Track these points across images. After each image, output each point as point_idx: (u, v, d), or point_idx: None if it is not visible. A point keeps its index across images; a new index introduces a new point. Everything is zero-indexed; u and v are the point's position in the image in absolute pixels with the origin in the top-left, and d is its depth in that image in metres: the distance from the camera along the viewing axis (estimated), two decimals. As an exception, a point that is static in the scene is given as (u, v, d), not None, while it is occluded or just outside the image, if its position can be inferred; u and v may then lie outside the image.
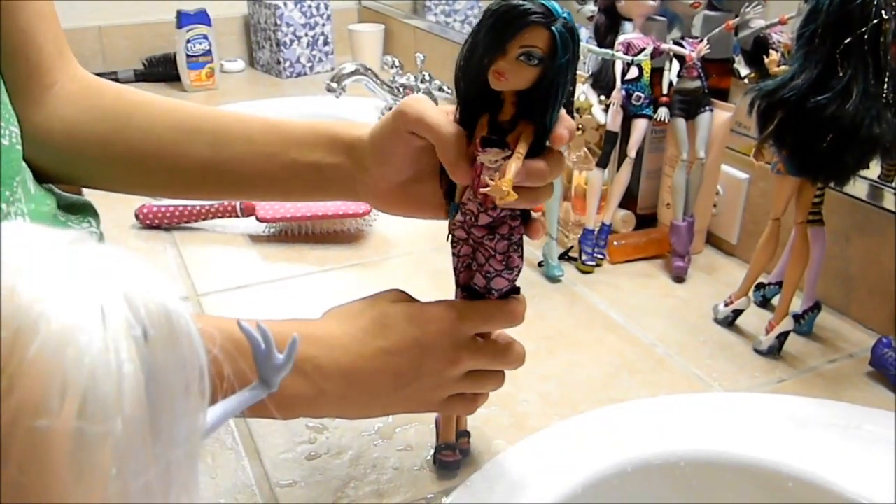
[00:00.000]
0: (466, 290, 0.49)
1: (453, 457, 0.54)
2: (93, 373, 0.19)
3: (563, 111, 0.45)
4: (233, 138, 0.54)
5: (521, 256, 0.48)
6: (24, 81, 0.54)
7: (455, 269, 0.49)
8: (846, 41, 0.57)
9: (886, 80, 0.57)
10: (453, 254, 0.49)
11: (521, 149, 0.43)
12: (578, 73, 0.84)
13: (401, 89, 1.23)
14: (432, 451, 0.55)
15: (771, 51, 0.70)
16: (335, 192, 0.55)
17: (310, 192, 0.56)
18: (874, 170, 0.69)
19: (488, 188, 0.42)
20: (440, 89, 1.19)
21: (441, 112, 0.47)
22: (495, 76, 0.42)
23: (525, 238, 0.48)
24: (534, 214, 0.48)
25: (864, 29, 0.56)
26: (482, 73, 0.42)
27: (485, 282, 0.48)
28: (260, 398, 0.33)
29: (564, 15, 0.41)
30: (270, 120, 0.56)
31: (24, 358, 0.19)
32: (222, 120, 0.56)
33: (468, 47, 0.43)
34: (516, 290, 0.50)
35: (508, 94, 0.44)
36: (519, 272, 0.49)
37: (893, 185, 0.69)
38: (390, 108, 1.24)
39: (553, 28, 0.40)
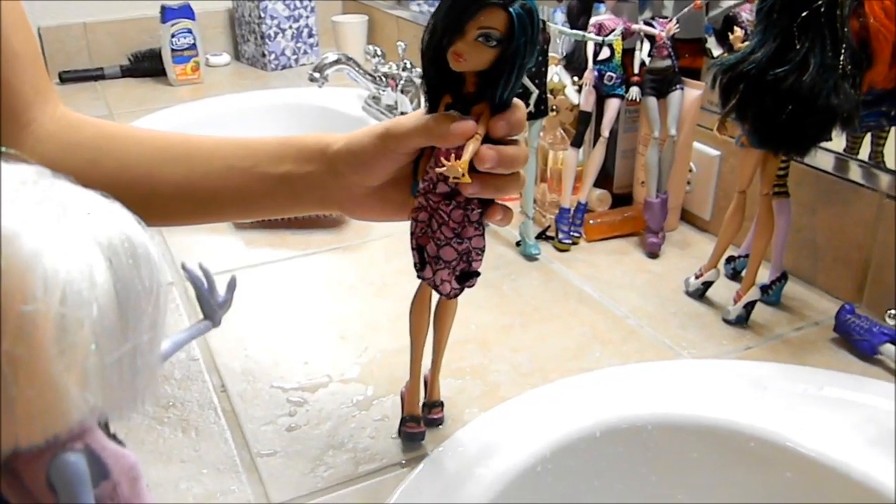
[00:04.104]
0: (418, 251, 0.50)
1: (417, 428, 0.55)
2: (69, 271, 0.24)
3: (518, 101, 0.46)
4: (205, 158, 0.56)
5: (480, 234, 0.48)
6: None
7: (412, 232, 0.50)
8: (803, 14, 0.58)
9: (843, 52, 0.59)
10: (412, 218, 0.49)
11: (481, 129, 0.45)
12: (552, 54, 0.86)
13: (383, 78, 1.25)
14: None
15: (736, 27, 0.72)
16: (307, 203, 0.56)
17: (282, 206, 0.57)
18: (839, 142, 0.71)
19: (444, 168, 0.43)
20: (421, 77, 1.20)
21: (416, 114, 0.48)
22: (454, 57, 0.43)
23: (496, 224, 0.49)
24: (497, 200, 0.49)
25: (820, 2, 0.58)
26: (442, 54, 0.43)
27: (436, 249, 0.49)
28: (205, 332, 0.37)
29: None
30: (242, 139, 0.57)
31: (10, 256, 0.23)
32: (195, 142, 0.57)
33: (429, 29, 0.44)
34: (473, 275, 0.50)
35: (469, 75, 0.45)
36: (472, 248, 0.49)
37: (858, 157, 0.71)
38: (374, 98, 1.27)
39: (511, 9, 0.41)
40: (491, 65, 0.43)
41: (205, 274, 0.39)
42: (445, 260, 0.49)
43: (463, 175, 0.43)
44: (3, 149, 0.26)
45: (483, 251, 0.49)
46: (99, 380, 0.25)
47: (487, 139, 0.45)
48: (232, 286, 0.41)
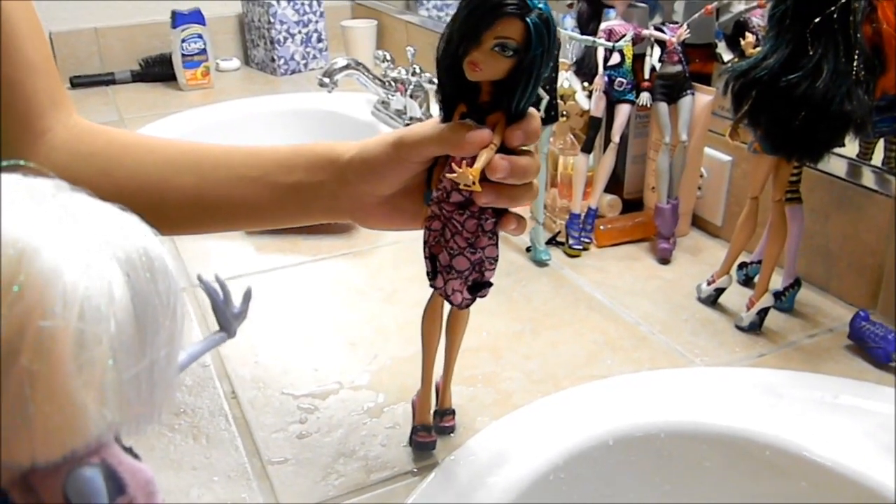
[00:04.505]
0: (431, 260, 0.49)
1: (429, 438, 0.55)
2: (88, 287, 0.24)
3: (533, 111, 0.45)
4: (215, 167, 0.56)
5: (494, 244, 0.48)
6: (13, 131, 0.55)
7: (425, 241, 0.49)
8: (816, 20, 0.58)
9: (856, 57, 0.59)
10: (426, 227, 0.49)
11: (496, 139, 0.44)
12: (562, 60, 0.86)
13: (392, 83, 1.25)
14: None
15: (747, 33, 0.71)
16: (317, 213, 0.56)
17: (292, 215, 0.57)
18: (852, 148, 0.70)
19: (455, 174, 0.43)
20: (430, 82, 1.20)
21: (431, 122, 0.49)
22: (470, 67, 0.43)
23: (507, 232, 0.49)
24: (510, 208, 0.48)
25: (833, 8, 0.58)
26: (458, 63, 0.43)
27: (448, 258, 0.48)
28: (220, 344, 0.37)
29: (540, 5, 0.41)
30: (253, 147, 0.57)
31: (31, 272, 0.23)
32: (206, 151, 0.57)
33: (445, 38, 0.44)
34: (485, 285, 0.50)
35: (485, 84, 0.45)
36: (486, 258, 0.48)
37: (871, 162, 0.70)
38: (383, 103, 1.27)
39: (528, 19, 0.41)
40: (507, 74, 0.43)
41: (220, 285, 0.39)
42: (458, 270, 0.48)
43: (474, 183, 0.43)
44: (23, 162, 0.26)
45: (496, 261, 0.49)
46: (116, 395, 0.25)
47: (503, 148, 0.45)
48: (248, 297, 0.41)
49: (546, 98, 0.77)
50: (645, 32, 0.82)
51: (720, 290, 0.73)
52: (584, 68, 0.86)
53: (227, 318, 0.39)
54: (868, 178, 0.70)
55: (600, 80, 0.82)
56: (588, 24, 0.87)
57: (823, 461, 0.52)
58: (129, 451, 0.29)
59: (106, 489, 0.27)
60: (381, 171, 0.51)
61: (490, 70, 0.42)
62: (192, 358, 0.36)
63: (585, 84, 0.85)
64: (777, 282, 0.71)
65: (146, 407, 0.27)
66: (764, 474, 0.54)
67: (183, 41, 1.46)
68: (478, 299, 0.51)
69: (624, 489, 0.56)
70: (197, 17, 1.47)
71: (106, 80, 1.53)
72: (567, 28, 0.91)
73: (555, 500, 0.53)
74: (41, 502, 0.27)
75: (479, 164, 0.43)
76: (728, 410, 0.57)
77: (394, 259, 0.84)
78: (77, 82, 1.51)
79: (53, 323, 0.23)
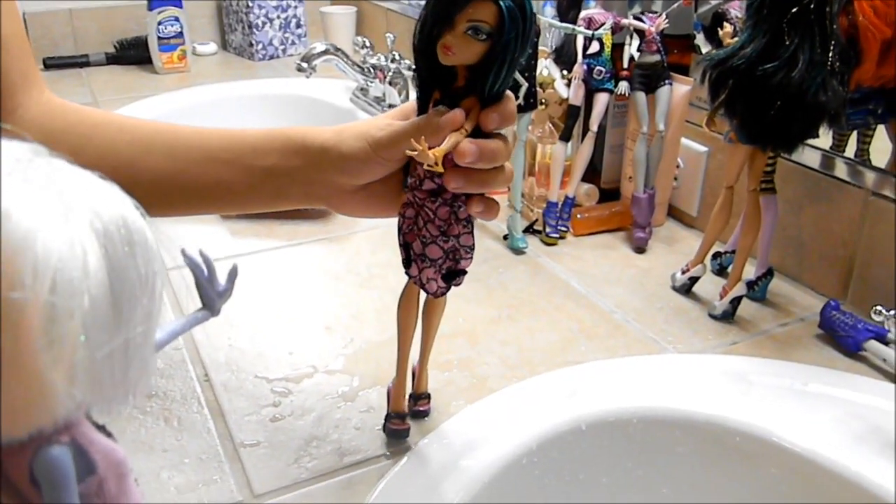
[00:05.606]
0: (405, 248, 0.49)
1: (402, 425, 0.55)
2: (61, 258, 0.22)
3: (508, 93, 0.45)
4: (189, 148, 0.55)
5: (468, 231, 0.48)
6: None
7: (399, 227, 0.49)
8: (793, 10, 0.58)
9: (832, 48, 0.59)
10: (400, 214, 0.49)
11: (468, 125, 0.44)
12: (541, 48, 0.86)
13: (371, 70, 1.24)
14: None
15: (725, 23, 0.72)
16: (291, 198, 0.55)
17: (266, 200, 0.56)
18: (825, 140, 0.71)
19: (416, 152, 0.42)
20: (410, 69, 1.20)
21: (404, 112, 0.48)
22: (443, 50, 0.42)
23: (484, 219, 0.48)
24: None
25: (809, -1, 0.58)
26: (431, 46, 0.43)
27: (421, 247, 0.48)
28: (202, 322, 0.36)
29: None
30: (227, 130, 0.56)
31: None
32: (180, 132, 0.56)
33: (420, 21, 0.44)
34: (460, 273, 0.49)
35: (460, 69, 0.44)
36: (460, 246, 0.48)
37: (844, 154, 0.71)
38: (362, 90, 1.26)
39: (501, 2, 0.40)
40: (481, 59, 0.42)
41: (205, 261, 0.37)
42: (431, 258, 0.48)
43: (436, 164, 0.42)
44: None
45: (472, 249, 0.49)
46: (88, 374, 0.24)
47: (479, 132, 0.45)
48: (233, 275, 0.40)
49: (525, 86, 0.77)
50: (624, 21, 0.82)
51: (694, 280, 0.73)
52: (564, 56, 0.86)
53: (210, 295, 0.38)
54: (841, 170, 0.71)
55: (579, 69, 0.82)
56: (568, 11, 0.87)
57: (793, 447, 0.53)
58: (102, 428, 0.28)
59: (75, 468, 0.26)
60: (359, 167, 0.50)
61: (463, 54, 0.42)
62: (171, 336, 0.35)
63: (564, 72, 0.86)
64: (750, 272, 0.71)
65: (119, 387, 0.26)
66: (734, 460, 0.54)
67: (159, 24, 1.44)
68: (454, 286, 0.50)
69: (596, 473, 0.56)
70: (174, -1, 1.45)
71: (80, 62, 1.51)
72: (547, 16, 0.91)
73: (528, 484, 0.53)
74: (10, 481, 0.26)
75: (444, 146, 0.43)
76: (700, 397, 0.57)
77: (371, 244, 0.84)
78: (50, 63, 1.48)
79: (22, 294, 0.22)
